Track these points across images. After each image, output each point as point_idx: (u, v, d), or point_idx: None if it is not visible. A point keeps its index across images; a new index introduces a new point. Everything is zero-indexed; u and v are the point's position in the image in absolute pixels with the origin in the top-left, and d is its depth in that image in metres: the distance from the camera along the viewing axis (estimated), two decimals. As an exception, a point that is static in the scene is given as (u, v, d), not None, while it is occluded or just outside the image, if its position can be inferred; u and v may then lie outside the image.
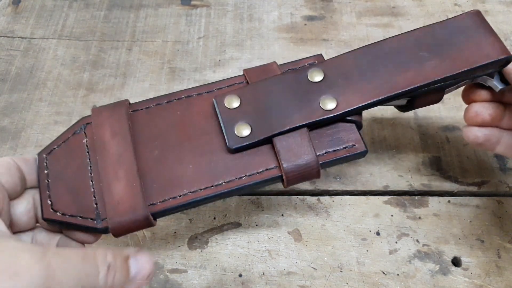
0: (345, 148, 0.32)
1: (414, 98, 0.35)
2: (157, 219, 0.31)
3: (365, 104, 0.32)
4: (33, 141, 0.46)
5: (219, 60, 0.52)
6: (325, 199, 0.43)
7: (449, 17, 0.35)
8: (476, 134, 0.35)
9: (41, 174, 0.30)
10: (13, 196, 0.29)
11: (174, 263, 0.39)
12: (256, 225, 0.41)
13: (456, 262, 0.39)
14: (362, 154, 0.32)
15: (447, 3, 0.57)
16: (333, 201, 0.42)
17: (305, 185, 0.43)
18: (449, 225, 0.41)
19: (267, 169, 0.31)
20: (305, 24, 0.56)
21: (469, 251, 0.39)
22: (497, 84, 0.33)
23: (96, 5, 0.58)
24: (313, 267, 0.39)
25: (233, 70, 0.52)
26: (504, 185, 0.43)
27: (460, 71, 0.32)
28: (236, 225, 0.41)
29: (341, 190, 0.43)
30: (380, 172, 0.44)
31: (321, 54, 0.35)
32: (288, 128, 0.31)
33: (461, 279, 0.38)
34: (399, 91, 0.32)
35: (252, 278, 0.38)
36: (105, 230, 0.29)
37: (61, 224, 0.30)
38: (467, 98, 0.36)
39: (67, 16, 0.57)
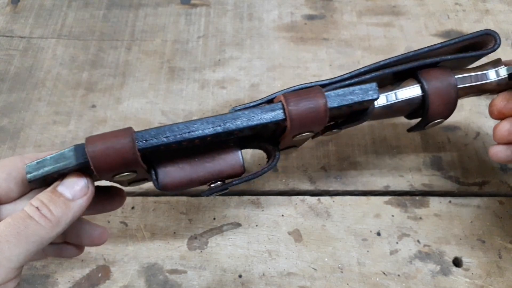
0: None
1: (427, 105, 0.34)
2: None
3: (360, 72, 0.33)
4: (32, 141, 0.46)
5: (219, 60, 0.52)
6: (325, 199, 0.42)
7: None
8: (507, 153, 0.34)
9: None
10: (5, 200, 0.28)
11: (174, 264, 0.39)
12: (256, 225, 0.41)
13: (457, 262, 0.39)
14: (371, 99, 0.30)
15: (448, 2, 0.57)
16: (333, 201, 0.42)
17: (305, 185, 0.43)
18: (450, 226, 0.41)
19: (270, 110, 0.28)
20: (305, 23, 0.55)
21: (470, 251, 0.39)
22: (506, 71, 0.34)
23: (95, 5, 0.58)
24: (313, 268, 0.39)
25: (233, 69, 0.51)
26: (505, 185, 0.43)
27: (446, 41, 0.34)
28: (236, 226, 0.41)
29: (341, 190, 0.43)
30: (381, 172, 0.44)
31: None
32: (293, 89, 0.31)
33: (462, 280, 0.38)
34: (395, 59, 0.33)
35: (252, 279, 0.38)
36: (82, 161, 0.26)
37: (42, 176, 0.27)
38: (496, 112, 0.35)
39: (66, 16, 0.57)
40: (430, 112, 0.34)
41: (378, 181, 0.43)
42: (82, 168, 0.27)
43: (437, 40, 0.53)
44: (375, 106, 0.34)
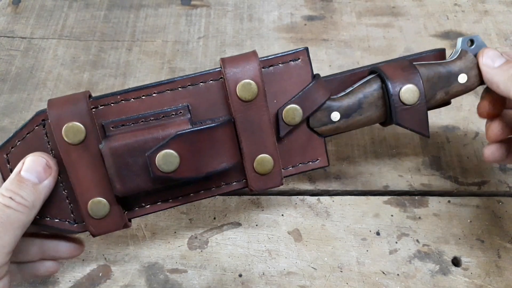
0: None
1: None
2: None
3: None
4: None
5: (219, 60, 0.52)
6: (325, 199, 0.43)
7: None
8: (502, 152, 0.36)
9: (5, 172, 0.30)
10: None
11: (174, 263, 0.39)
12: (256, 225, 0.41)
13: (456, 262, 0.39)
14: None
15: (447, 3, 0.57)
16: (333, 201, 0.42)
17: (305, 185, 0.43)
18: (449, 225, 0.41)
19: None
20: (305, 24, 0.56)
21: (469, 251, 0.39)
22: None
23: (96, 5, 0.58)
24: (313, 267, 0.39)
25: (233, 70, 0.52)
26: (504, 185, 0.43)
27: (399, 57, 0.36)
28: (236, 225, 0.41)
29: (341, 190, 0.43)
30: (380, 172, 0.44)
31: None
32: None
33: (461, 279, 0.38)
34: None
35: (252, 278, 0.38)
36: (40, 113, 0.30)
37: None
38: (485, 114, 0.36)
39: (67, 16, 0.57)
40: (388, 76, 0.33)
41: (378, 181, 0.43)
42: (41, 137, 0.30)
43: (436, 41, 0.53)
44: (336, 96, 0.34)
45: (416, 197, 0.43)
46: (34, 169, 0.28)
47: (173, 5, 0.58)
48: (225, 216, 0.42)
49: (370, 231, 0.41)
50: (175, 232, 0.41)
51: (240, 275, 0.39)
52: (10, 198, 0.27)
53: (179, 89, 0.31)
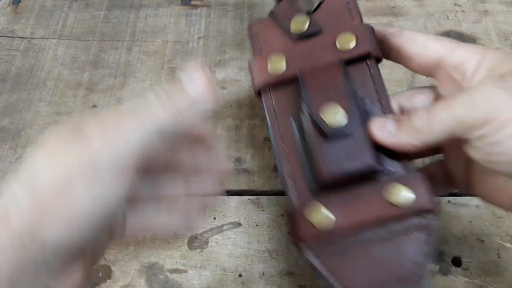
0: None
1: None
2: None
3: None
4: (33, 141, 0.46)
5: (219, 60, 0.52)
6: (325, 199, 0.43)
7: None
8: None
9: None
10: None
11: (174, 263, 0.39)
12: (256, 225, 0.41)
13: (456, 262, 0.39)
14: None
15: (447, 3, 0.57)
16: (333, 201, 0.42)
17: (305, 185, 0.43)
18: (449, 225, 0.41)
19: None
20: (305, 24, 0.56)
21: (469, 251, 0.39)
22: None
23: (96, 5, 0.58)
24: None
25: (234, 70, 0.52)
26: (504, 185, 0.43)
27: None
28: (236, 225, 0.41)
29: (341, 190, 0.43)
30: (380, 172, 0.44)
31: None
32: None
33: (461, 279, 0.38)
34: None
35: (252, 278, 0.38)
36: None
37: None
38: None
39: (67, 16, 0.57)
40: None
41: (378, 181, 0.43)
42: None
43: (436, 41, 0.53)
44: None
45: (416, 197, 0.42)
46: (194, 82, 0.25)
47: (173, 5, 0.58)
48: (225, 216, 0.42)
49: (370, 231, 0.41)
50: (175, 232, 0.41)
51: (240, 275, 0.39)
52: (155, 95, 0.24)
53: None
